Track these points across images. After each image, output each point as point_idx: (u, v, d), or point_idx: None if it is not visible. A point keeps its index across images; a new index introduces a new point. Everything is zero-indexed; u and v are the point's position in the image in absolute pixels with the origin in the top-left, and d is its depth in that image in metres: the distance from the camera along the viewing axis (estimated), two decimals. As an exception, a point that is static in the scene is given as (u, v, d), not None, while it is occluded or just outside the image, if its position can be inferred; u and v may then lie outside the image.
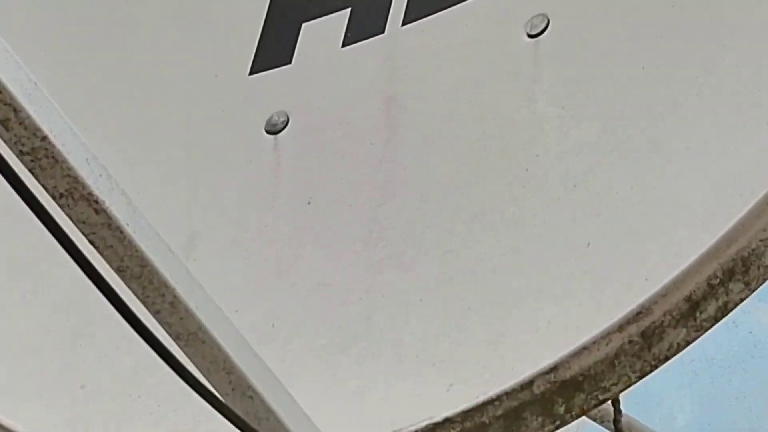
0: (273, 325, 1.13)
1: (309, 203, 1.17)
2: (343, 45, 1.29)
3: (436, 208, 1.17)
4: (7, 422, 1.17)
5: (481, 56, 1.21)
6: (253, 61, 1.32)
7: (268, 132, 1.26)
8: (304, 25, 1.34)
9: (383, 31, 1.27)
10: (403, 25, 1.27)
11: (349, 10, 1.32)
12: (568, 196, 1.12)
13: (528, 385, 0.93)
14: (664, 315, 0.93)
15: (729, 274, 0.94)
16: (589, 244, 1.03)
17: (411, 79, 1.25)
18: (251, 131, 1.27)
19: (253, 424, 0.84)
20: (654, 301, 0.93)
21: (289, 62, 1.31)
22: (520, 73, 1.14)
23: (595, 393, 0.95)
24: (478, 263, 1.11)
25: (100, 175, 0.71)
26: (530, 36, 1.19)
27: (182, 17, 1.44)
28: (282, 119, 1.26)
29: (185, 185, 1.29)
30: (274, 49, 1.34)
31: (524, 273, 1.07)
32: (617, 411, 1.36)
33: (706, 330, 0.97)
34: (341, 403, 1.04)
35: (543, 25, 1.16)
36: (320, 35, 1.31)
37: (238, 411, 0.82)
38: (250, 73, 1.32)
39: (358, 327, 1.11)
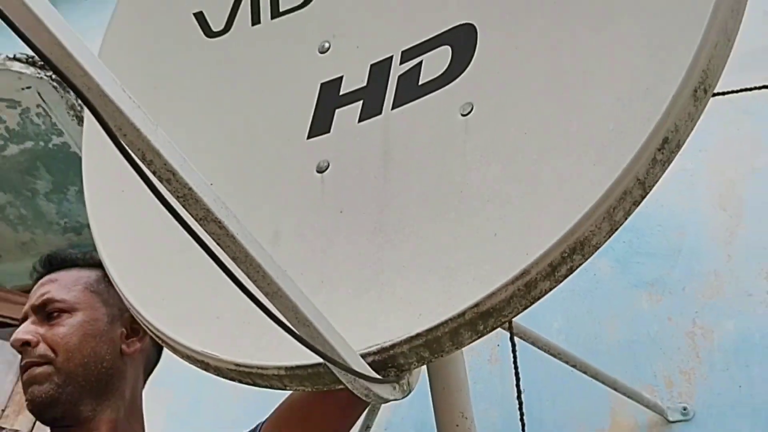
0: (321, 282, 1.11)
1: (341, 212, 1.17)
2: (359, 121, 1.25)
3: (412, 216, 1.12)
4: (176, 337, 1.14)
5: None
6: (309, 131, 1.28)
7: (317, 171, 1.24)
8: (337, 110, 1.28)
9: (381, 113, 1.23)
10: (392, 108, 1.22)
11: (361, 102, 1.26)
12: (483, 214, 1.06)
13: (462, 314, 0.93)
14: (538, 274, 0.93)
15: (573, 251, 0.93)
16: (495, 234, 0.98)
17: (397, 141, 1.20)
18: (308, 171, 1.24)
19: (309, 341, 0.85)
20: (531, 265, 0.92)
21: (329, 131, 1.26)
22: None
23: (500, 318, 0.95)
24: (435, 242, 1.07)
25: (221, 207, 0.76)
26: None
27: (271, 104, 1.37)
28: (325, 164, 1.24)
29: (270, 201, 1.27)
30: (320, 123, 1.28)
31: (461, 250, 1.02)
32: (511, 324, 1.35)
33: (561, 282, 0.95)
34: (355, 329, 1.00)
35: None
36: (346, 116, 1.26)
37: (302, 333, 0.85)
38: (308, 138, 1.28)
39: (368, 283, 1.08)
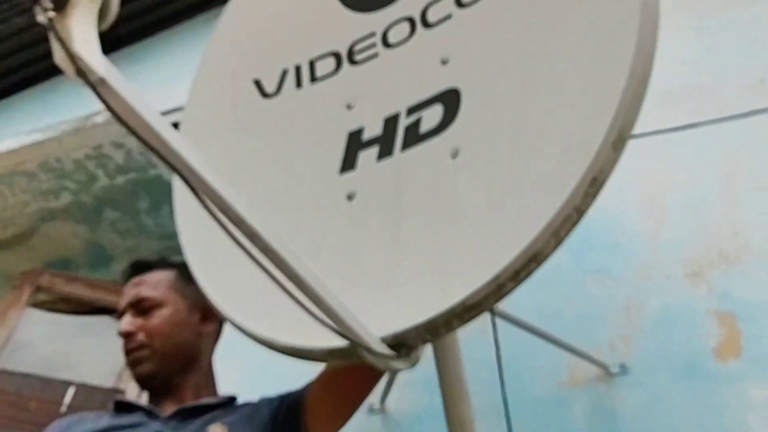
0: (353, 285, 1.13)
1: (366, 231, 1.21)
2: (377, 161, 1.28)
3: (418, 235, 1.16)
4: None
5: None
6: (341, 168, 1.32)
7: (347, 199, 1.27)
8: (360, 152, 1.32)
9: (392, 155, 1.27)
10: (401, 151, 1.26)
11: (378, 146, 1.30)
12: (468, 234, 1.10)
13: (452, 308, 0.98)
14: (505, 278, 0.97)
15: (530, 260, 0.98)
16: (476, 248, 1.04)
17: (406, 176, 1.23)
18: (341, 199, 1.28)
19: (344, 332, 0.93)
20: (501, 272, 0.97)
21: (354, 168, 1.30)
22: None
23: (480, 310, 1.00)
24: (435, 255, 1.11)
25: (278, 241, 0.85)
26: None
27: (312, 149, 1.41)
28: (353, 194, 1.27)
29: (314, 224, 1.30)
30: (348, 162, 1.32)
31: (452, 261, 1.07)
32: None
33: (522, 282, 1.00)
34: (378, 320, 1.04)
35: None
36: (367, 157, 1.30)
37: (339, 328, 0.91)
38: (340, 174, 1.31)
39: (386, 286, 1.12)
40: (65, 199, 2.23)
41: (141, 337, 1.34)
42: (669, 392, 1.39)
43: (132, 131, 0.75)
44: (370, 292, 1.15)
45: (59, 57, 0.71)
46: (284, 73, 1.56)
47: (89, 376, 1.99)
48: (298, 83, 1.53)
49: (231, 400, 1.39)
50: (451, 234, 1.12)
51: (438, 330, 1.04)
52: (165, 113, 2.20)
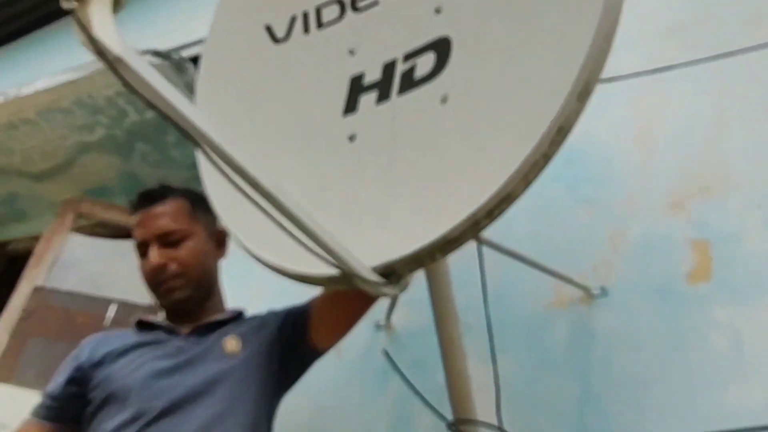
0: (352, 219, 1.26)
1: (364, 170, 1.32)
2: (376, 104, 1.36)
3: (409, 173, 1.25)
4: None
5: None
6: (344, 110, 1.41)
7: (349, 140, 1.37)
8: (361, 96, 1.40)
9: (389, 99, 1.35)
10: (397, 96, 1.34)
11: (377, 90, 1.38)
12: (451, 175, 1.21)
13: (435, 242, 1.11)
14: (480, 216, 1.09)
15: (501, 201, 1.09)
16: (457, 188, 1.15)
17: (401, 119, 1.32)
18: (344, 139, 1.38)
19: (340, 265, 1.08)
20: (476, 211, 1.08)
21: (356, 111, 1.39)
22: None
23: (459, 243, 1.13)
24: (422, 193, 1.21)
25: (278, 190, 0.99)
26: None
27: (319, 92, 1.50)
28: (354, 135, 1.37)
29: (320, 162, 1.41)
30: (351, 105, 1.41)
31: (437, 198, 1.18)
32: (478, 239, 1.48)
33: (496, 219, 1.12)
34: (372, 250, 1.17)
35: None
36: (367, 100, 1.39)
37: (336, 261, 1.05)
38: (343, 116, 1.40)
39: (380, 220, 1.23)
40: (99, 133, 2.39)
41: (174, 267, 1.43)
42: (642, 313, 1.52)
43: (146, 101, 0.89)
44: (365, 225, 1.29)
45: (81, 39, 0.84)
46: (293, 20, 1.65)
47: (128, 294, 2.20)
48: (306, 29, 1.63)
49: (239, 314, 1.53)
50: (436, 175, 1.25)
51: (422, 261, 1.18)
52: (188, 45, 2.29)
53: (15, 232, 2.96)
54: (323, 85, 1.53)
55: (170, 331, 1.45)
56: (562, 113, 1.10)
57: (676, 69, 1.69)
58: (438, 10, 1.44)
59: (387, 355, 1.38)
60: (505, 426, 1.44)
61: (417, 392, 1.40)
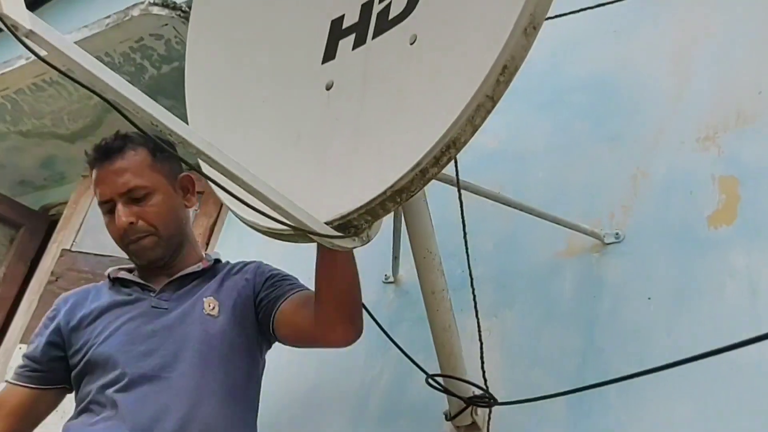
0: (323, 170, 1.38)
1: (337, 119, 1.46)
2: (353, 49, 1.47)
3: (374, 121, 1.36)
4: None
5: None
6: (323, 58, 1.53)
7: (326, 89, 1.48)
8: (340, 41, 1.51)
9: (365, 43, 1.45)
10: (372, 39, 1.45)
11: (354, 34, 1.49)
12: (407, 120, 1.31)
13: (384, 192, 1.21)
14: (427, 164, 1.17)
15: (448, 147, 1.17)
16: (411, 135, 1.36)
17: (373, 65, 1.42)
18: (321, 89, 1.49)
19: (295, 223, 1.22)
20: (422, 158, 1.17)
21: (335, 58, 1.50)
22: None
23: (410, 193, 1.22)
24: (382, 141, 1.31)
25: (240, 168, 1.14)
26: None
27: (300, 37, 1.62)
28: (331, 83, 1.48)
29: (297, 112, 1.53)
30: (330, 52, 1.53)
31: (393, 147, 1.27)
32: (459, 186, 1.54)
33: (444, 166, 1.20)
34: (332, 201, 1.30)
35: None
36: (345, 45, 1.50)
37: (290, 221, 1.20)
38: (322, 63, 1.52)
39: (344, 170, 1.34)
40: (122, 90, 2.63)
41: (142, 224, 1.51)
42: (655, 260, 1.56)
43: (61, 71, 1.06)
44: (333, 177, 1.40)
45: (-8, 17, 1.01)
46: (275, -39, 1.78)
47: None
48: (289, -29, 1.75)
49: (215, 263, 1.64)
50: (398, 122, 1.34)
51: (376, 212, 1.29)
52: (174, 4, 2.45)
53: (56, 195, 3.30)
54: (305, 31, 1.65)
55: (144, 288, 1.57)
56: (506, 49, 1.17)
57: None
58: (412, -57, 1.51)
59: (364, 307, 1.51)
60: (496, 380, 1.55)
61: (397, 346, 1.53)
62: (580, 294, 1.61)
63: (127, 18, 2.34)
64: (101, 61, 2.52)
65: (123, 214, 1.50)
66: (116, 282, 1.61)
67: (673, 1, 1.83)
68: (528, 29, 1.18)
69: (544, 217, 1.65)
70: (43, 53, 1.05)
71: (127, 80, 2.53)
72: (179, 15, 2.28)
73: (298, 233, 1.34)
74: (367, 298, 1.91)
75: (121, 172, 1.52)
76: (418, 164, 1.24)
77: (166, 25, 2.36)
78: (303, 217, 1.26)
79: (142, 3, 2.34)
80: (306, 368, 1.93)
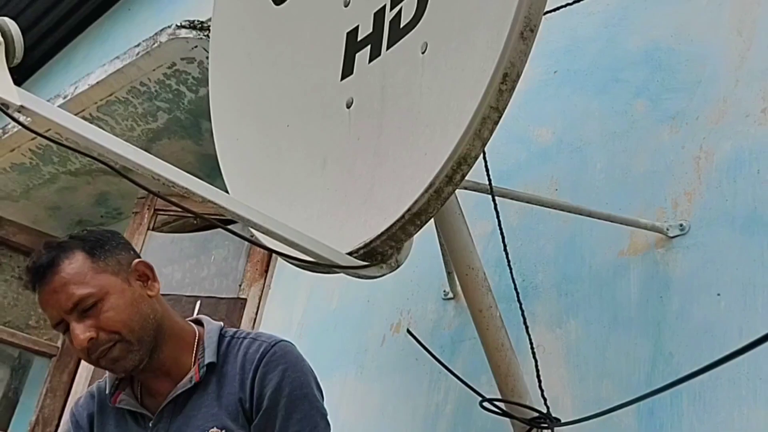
0: (345, 196, 1.53)
1: (358, 139, 1.60)
2: (369, 62, 1.61)
3: (392, 142, 1.49)
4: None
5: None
6: (341, 74, 1.69)
7: (347, 107, 1.62)
8: (356, 54, 1.65)
9: (380, 54, 1.59)
10: (387, 50, 1.58)
11: (369, 45, 1.63)
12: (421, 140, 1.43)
13: (402, 216, 1.33)
14: (440, 183, 1.27)
15: (459, 164, 1.27)
16: (426, 153, 1.35)
17: (389, 78, 1.54)
18: (342, 108, 1.64)
19: (318, 259, 1.39)
20: (434, 178, 1.28)
21: (353, 73, 1.65)
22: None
23: (428, 215, 1.34)
24: (400, 163, 1.44)
25: (266, 220, 1.30)
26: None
27: (317, 52, 1.79)
28: (351, 101, 1.63)
29: (320, 135, 1.69)
30: (347, 67, 1.67)
31: (409, 167, 1.39)
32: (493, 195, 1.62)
33: (459, 184, 1.32)
34: (354, 231, 1.45)
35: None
36: (362, 59, 1.65)
37: (314, 258, 1.34)
38: (341, 80, 1.68)
39: (364, 196, 1.48)
40: (162, 118, 2.86)
41: (103, 336, 1.48)
42: (724, 251, 1.61)
43: (56, 142, 1.25)
44: (357, 202, 1.55)
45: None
46: (290, -21, 1.94)
47: (213, 290, 2.64)
48: (303, -14, 1.91)
49: (210, 368, 1.56)
50: (412, 141, 1.48)
51: (398, 237, 1.43)
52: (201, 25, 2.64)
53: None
54: (322, 46, 1.81)
55: (141, 418, 1.59)
56: (504, 56, 1.28)
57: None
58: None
59: (411, 334, 1.63)
60: (563, 396, 1.66)
61: (448, 369, 1.65)
62: (647, 295, 1.69)
63: (156, 45, 2.56)
64: (137, 90, 2.77)
65: (79, 331, 1.47)
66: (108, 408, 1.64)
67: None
68: (525, 33, 1.28)
69: (598, 217, 1.73)
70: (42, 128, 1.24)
71: (167, 108, 2.80)
72: (207, 35, 2.47)
73: (325, 267, 1.49)
74: (427, 316, 2.08)
75: (60, 288, 1.49)
76: (431, 185, 1.36)
77: (196, 47, 2.57)
78: (325, 252, 1.41)
79: (169, 27, 2.55)
80: (371, 397, 2.07)
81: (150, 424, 1.56)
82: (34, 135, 2.20)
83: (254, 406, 1.51)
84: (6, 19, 1.20)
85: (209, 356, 1.57)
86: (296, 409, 1.50)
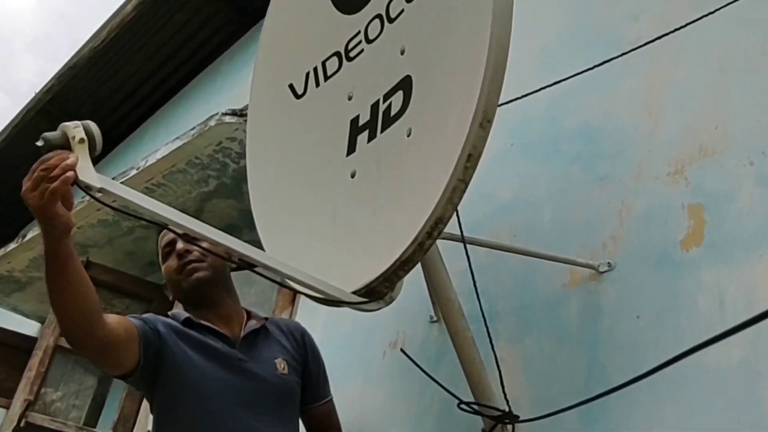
0: (354, 245, 1.62)
1: (360, 202, 1.66)
2: (367, 142, 1.65)
3: (384, 204, 1.53)
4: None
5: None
6: (347, 151, 1.79)
7: (351, 177, 1.70)
8: (358, 137, 1.68)
9: (376, 137, 1.64)
10: (380, 132, 1.76)
11: (368, 130, 1.67)
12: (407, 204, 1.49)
13: (394, 264, 1.37)
14: (422, 237, 1.32)
15: (436, 223, 1.31)
16: (411, 214, 1.47)
17: (382, 153, 1.58)
18: (347, 177, 1.67)
19: (325, 297, 1.43)
20: (418, 234, 1.32)
21: (355, 151, 1.67)
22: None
23: (413, 263, 1.38)
24: (390, 222, 1.49)
25: (293, 271, 1.33)
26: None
27: (329, 136, 1.81)
28: (354, 172, 1.68)
29: (332, 195, 1.72)
30: (351, 146, 1.70)
31: (399, 223, 1.43)
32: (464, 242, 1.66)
33: (437, 238, 1.36)
34: (358, 275, 1.49)
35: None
36: (362, 140, 1.68)
37: (323, 295, 1.38)
38: (346, 156, 1.73)
39: (367, 247, 1.53)
40: (212, 184, 2.91)
41: (196, 253, 1.65)
42: (642, 284, 1.62)
43: (136, 216, 1.28)
44: (360, 251, 1.59)
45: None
46: (307, 76, 1.98)
47: (253, 315, 2.67)
48: (317, 83, 1.94)
49: (264, 320, 1.74)
50: (401, 204, 1.52)
51: (391, 278, 1.45)
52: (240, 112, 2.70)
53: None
54: (332, 130, 1.84)
55: (221, 337, 1.65)
56: (468, 140, 1.31)
57: (682, 29, 1.73)
58: (402, 51, 1.68)
59: (403, 352, 1.65)
60: (523, 398, 1.66)
61: (433, 378, 1.66)
62: (584, 318, 1.70)
63: (206, 128, 2.61)
64: (194, 162, 2.81)
65: (181, 245, 1.67)
66: (191, 324, 1.65)
67: (641, 55, 1.90)
68: (483, 123, 1.32)
69: (546, 257, 1.75)
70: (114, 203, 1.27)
71: (216, 175, 2.84)
72: (245, 120, 2.51)
73: (335, 302, 1.51)
74: (417, 336, 2.08)
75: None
76: (415, 239, 1.40)
77: (237, 129, 2.61)
78: (334, 292, 1.43)
79: (217, 114, 2.60)
80: (374, 400, 2.08)
81: (236, 346, 1.65)
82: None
83: (307, 357, 1.75)
84: (89, 122, 1.23)
85: (261, 316, 1.76)
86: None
